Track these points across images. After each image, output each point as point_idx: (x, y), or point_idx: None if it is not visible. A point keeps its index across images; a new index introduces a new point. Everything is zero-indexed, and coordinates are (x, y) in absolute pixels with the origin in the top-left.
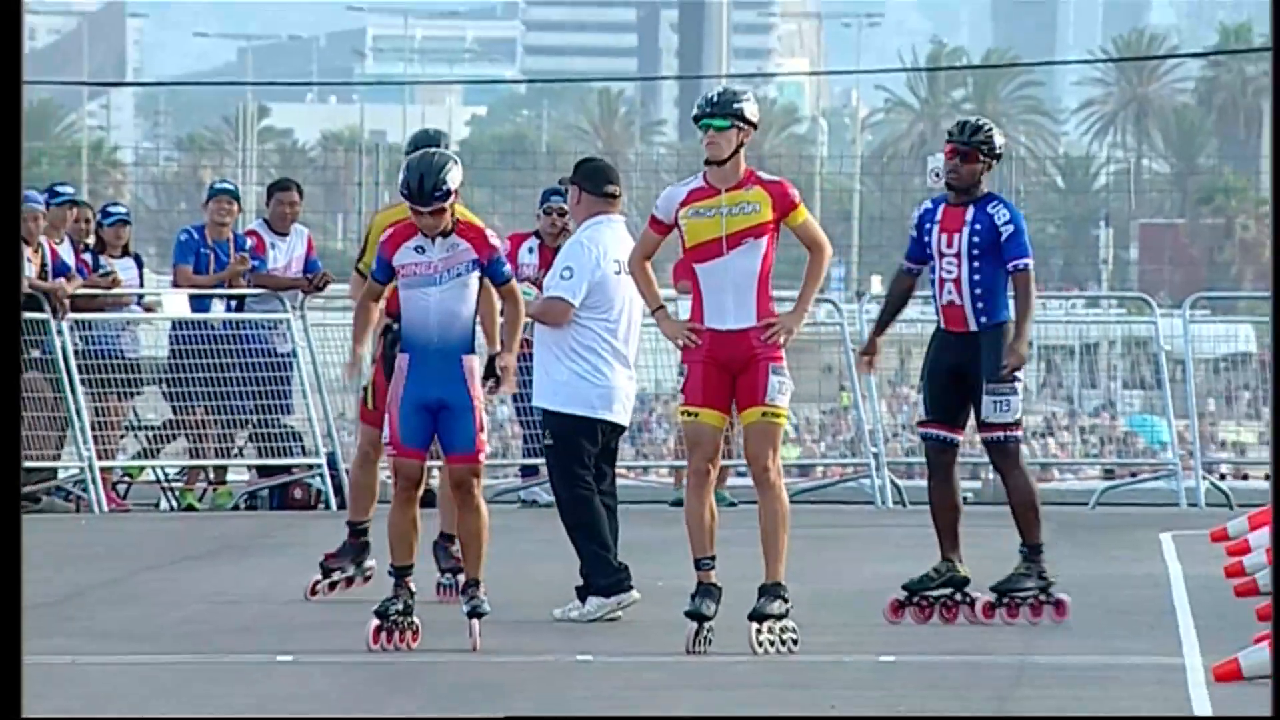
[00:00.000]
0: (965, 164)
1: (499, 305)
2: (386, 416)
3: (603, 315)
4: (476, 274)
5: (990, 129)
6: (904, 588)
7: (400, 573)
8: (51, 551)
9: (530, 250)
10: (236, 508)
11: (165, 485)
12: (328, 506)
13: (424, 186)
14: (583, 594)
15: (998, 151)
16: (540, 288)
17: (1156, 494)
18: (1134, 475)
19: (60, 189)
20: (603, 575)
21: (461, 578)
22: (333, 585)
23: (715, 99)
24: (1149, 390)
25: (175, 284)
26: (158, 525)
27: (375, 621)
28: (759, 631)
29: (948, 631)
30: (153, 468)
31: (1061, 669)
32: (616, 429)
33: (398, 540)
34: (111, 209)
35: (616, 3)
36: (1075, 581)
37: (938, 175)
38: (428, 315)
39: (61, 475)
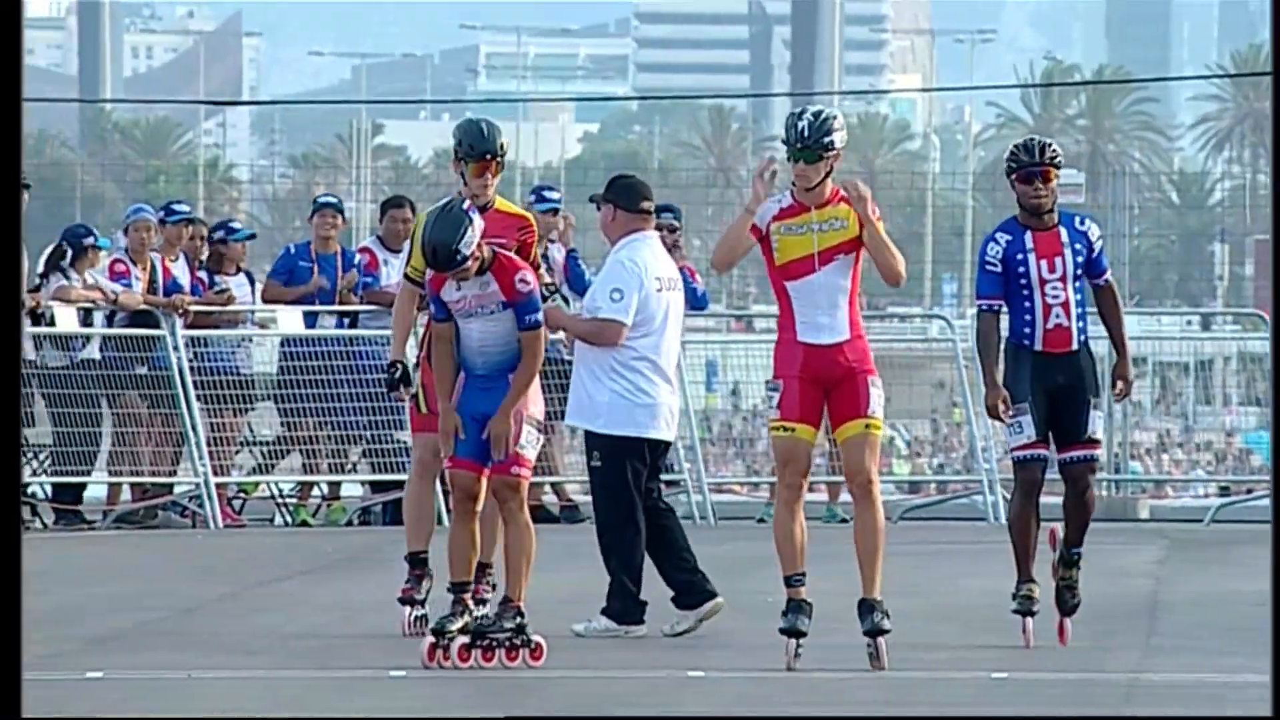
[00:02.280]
0: (1046, 183)
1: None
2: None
3: (643, 332)
4: (510, 312)
5: (1052, 143)
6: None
7: (458, 589)
8: (167, 566)
9: None
10: (350, 523)
11: (280, 501)
12: (440, 522)
13: (439, 260)
14: (679, 603)
15: (1061, 163)
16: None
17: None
18: (1249, 492)
19: (176, 207)
20: (620, 600)
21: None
22: (422, 618)
23: (805, 133)
24: (1265, 407)
25: (263, 299)
26: (272, 540)
27: (430, 639)
28: (880, 648)
29: (1062, 649)
30: (267, 483)
31: (1173, 687)
32: (662, 445)
33: (457, 555)
34: (235, 226)
35: (729, 19)
36: (1189, 598)
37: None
38: (470, 343)
39: (177, 491)
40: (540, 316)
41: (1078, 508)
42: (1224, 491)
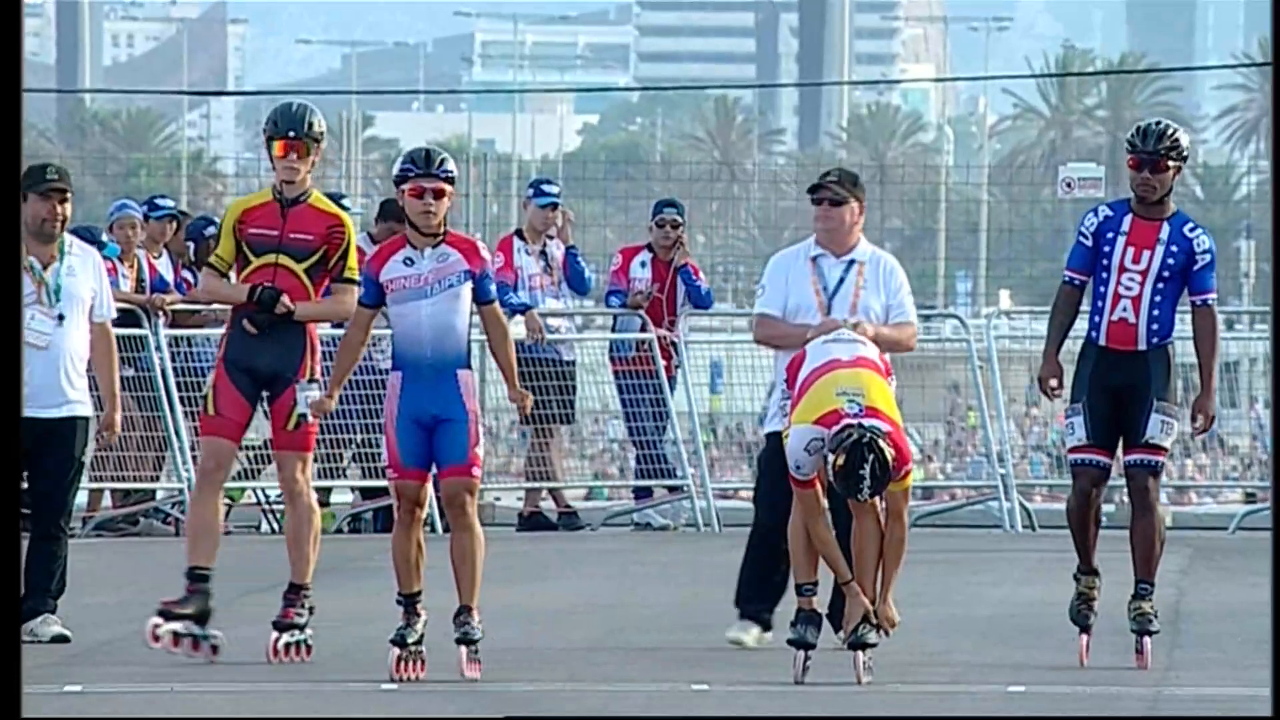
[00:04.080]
0: (1156, 174)
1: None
2: (384, 439)
3: None
4: (469, 285)
5: (1176, 131)
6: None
7: (409, 600)
8: (150, 575)
9: (643, 264)
10: (340, 530)
11: (266, 507)
12: (433, 530)
13: (431, 157)
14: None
15: (1185, 154)
16: (653, 304)
17: None
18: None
19: (160, 202)
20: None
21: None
22: (176, 636)
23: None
24: None
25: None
26: (259, 548)
27: (395, 651)
28: (865, 662)
29: (1083, 662)
30: (254, 489)
31: (1198, 700)
32: None
33: (403, 565)
34: (216, 219)
35: (734, 6)
36: (1214, 608)
37: (1069, 185)
38: (420, 330)
39: (159, 497)
40: (496, 288)
41: (1136, 520)
42: (1249, 498)
